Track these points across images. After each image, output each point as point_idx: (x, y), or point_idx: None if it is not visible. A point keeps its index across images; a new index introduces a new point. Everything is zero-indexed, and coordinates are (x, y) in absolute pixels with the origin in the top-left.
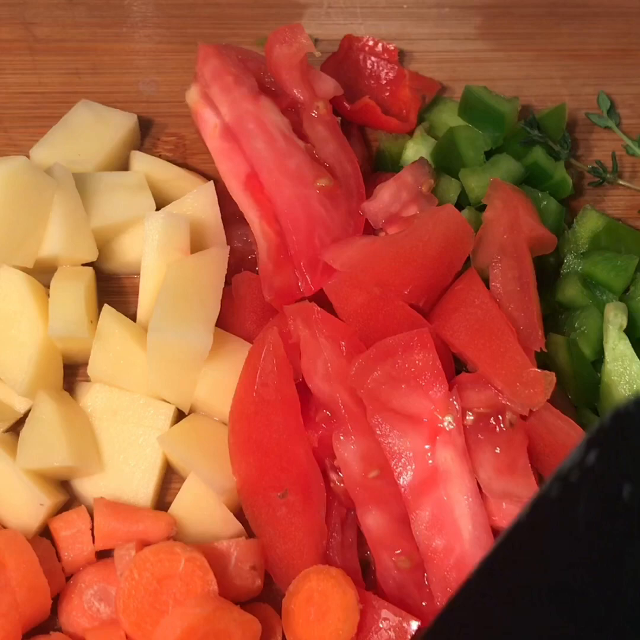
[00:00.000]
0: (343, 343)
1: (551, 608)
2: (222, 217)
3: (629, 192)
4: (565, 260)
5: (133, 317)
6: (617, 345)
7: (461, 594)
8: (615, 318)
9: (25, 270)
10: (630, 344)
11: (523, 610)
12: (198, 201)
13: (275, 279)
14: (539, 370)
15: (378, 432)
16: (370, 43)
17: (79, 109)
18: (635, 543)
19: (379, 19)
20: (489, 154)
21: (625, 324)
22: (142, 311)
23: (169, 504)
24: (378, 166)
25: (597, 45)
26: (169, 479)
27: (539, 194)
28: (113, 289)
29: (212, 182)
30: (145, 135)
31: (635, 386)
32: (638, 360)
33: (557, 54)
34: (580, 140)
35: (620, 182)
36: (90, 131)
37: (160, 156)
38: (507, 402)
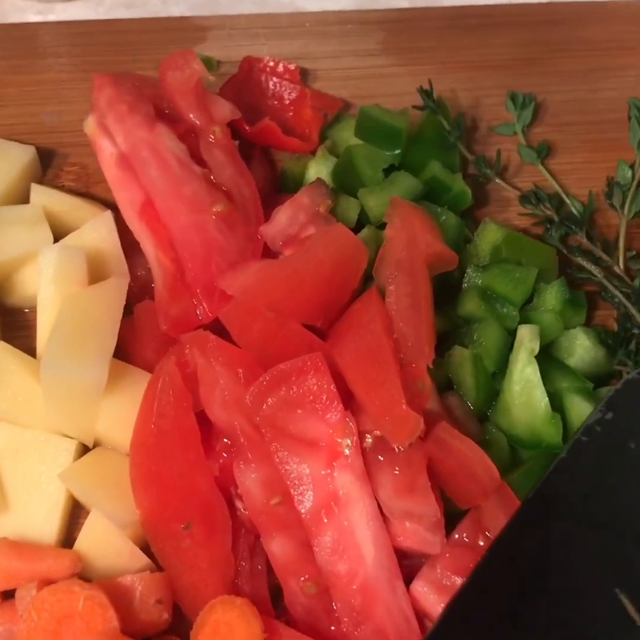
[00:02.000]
0: (240, 370)
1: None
2: (126, 245)
3: None
4: (465, 274)
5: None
6: (525, 369)
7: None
8: (529, 343)
9: None
10: (538, 369)
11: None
12: (96, 231)
13: (171, 307)
14: (411, 411)
15: (276, 458)
16: (271, 63)
17: None
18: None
19: (282, 39)
20: (389, 171)
21: (537, 349)
22: (40, 346)
23: None
24: (282, 187)
25: (499, 56)
26: (78, 514)
27: (438, 209)
28: (18, 323)
29: (110, 211)
30: (49, 166)
31: (532, 410)
32: (542, 386)
33: (459, 66)
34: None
35: (498, 180)
36: None
37: (63, 186)
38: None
